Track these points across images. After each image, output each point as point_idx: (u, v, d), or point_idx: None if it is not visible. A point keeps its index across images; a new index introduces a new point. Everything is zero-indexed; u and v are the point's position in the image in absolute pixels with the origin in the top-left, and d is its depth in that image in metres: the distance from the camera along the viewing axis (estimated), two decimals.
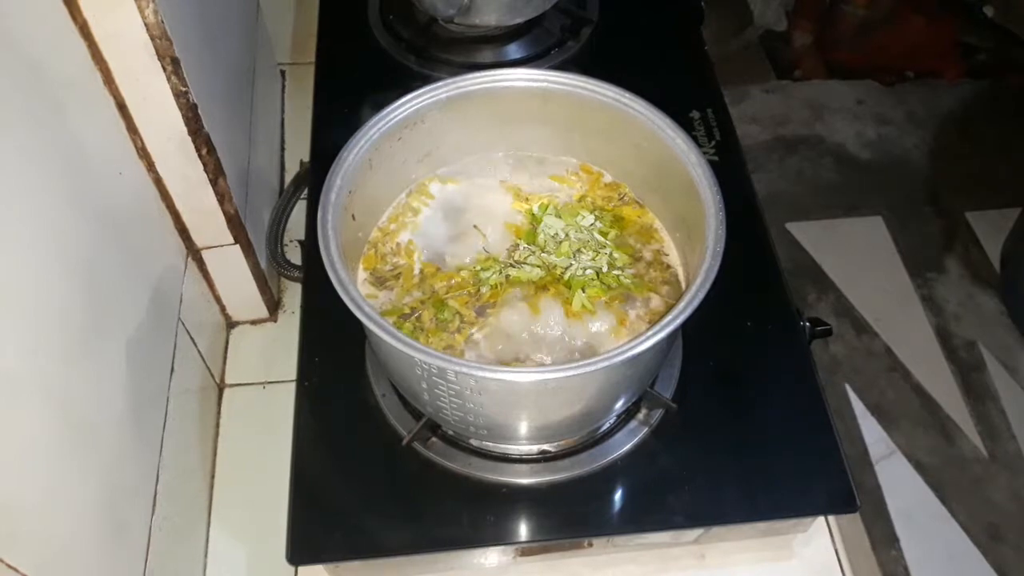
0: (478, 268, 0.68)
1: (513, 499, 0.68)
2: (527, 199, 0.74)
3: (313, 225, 0.60)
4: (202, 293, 0.97)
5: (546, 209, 0.72)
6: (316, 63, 1.00)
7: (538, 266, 0.69)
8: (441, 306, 0.66)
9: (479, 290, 0.67)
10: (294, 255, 0.99)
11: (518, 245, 0.70)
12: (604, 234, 0.71)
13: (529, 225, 0.72)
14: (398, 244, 0.71)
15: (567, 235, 0.70)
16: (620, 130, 0.69)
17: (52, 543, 0.58)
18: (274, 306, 1.08)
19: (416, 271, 0.70)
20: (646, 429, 0.71)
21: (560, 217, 0.72)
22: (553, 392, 0.60)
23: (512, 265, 0.69)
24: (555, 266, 0.69)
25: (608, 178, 0.75)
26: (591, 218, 0.72)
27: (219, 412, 0.99)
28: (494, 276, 0.67)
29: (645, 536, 0.71)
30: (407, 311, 0.67)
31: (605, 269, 0.69)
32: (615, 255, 0.69)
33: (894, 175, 1.97)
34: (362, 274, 0.70)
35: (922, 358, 1.68)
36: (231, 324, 1.06)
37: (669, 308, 0.60)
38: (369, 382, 0.74)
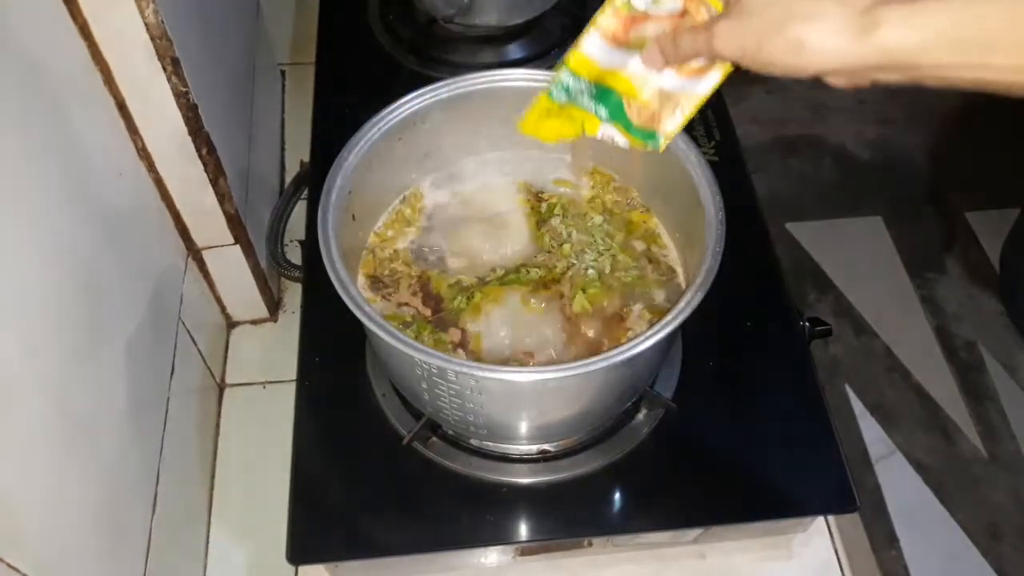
0: (452, 297, 0.68)
1: (513, 499, 0.69)
2: (538, 196, 0.74)
3: (313, 225, 0.60)
4: (202, 293, 0.98)
5: (554, 208, 0.73)
6: (316, 63, 1.00)
7: (537, 267, 0.69)
8: (433, 330, 0.66)
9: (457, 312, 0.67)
10: (294, 255, 0.99)
11: (493, 270, 0.70)
12: (611, 236, 0.71)
13: (534, 224, 0.72)
14: (396, 251, 0.71)
15: (570, 235, 0.71)
16: None
17: (52, 543, 0.58)
18: (274, 306, 1.08)
19: (414, 278, 0.70)
20: (646, 429, 0.71)
21: (566, 217, 0.72)
22: (553, 392, 0.60)
23: (489, 280, 0.68)
24: (554, 266, 0.69)
25: (618, 182, 0.75)
26: (599, 219, 0.72)
27: (219, 412, 0.99)
28: (461, 303, 0.67)
29: (645, 536, 0.71)
30: (408, 319, 0.67)
31: (608, 270, 0.69)
32: (619, 257, 0.70)
33: (894, 175, 1.97)
34: (361, 279, 0.70)
35: (922, 358, 1.68)
36: (231, 324, 1.06)
37: (669, 308, 0.60)
38: (369, 382, 0.74)
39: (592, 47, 0.54)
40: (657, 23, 0.52)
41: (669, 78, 0.53)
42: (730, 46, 0.46)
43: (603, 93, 0.54)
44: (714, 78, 0.52)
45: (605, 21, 0.53)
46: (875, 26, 0.41)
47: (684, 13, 0.51)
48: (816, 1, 0.42)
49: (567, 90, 0.55)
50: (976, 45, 0.40)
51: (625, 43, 0.53)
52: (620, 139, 0.55)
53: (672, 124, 0.54)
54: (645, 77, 0.53)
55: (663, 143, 0.55)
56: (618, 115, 0.54)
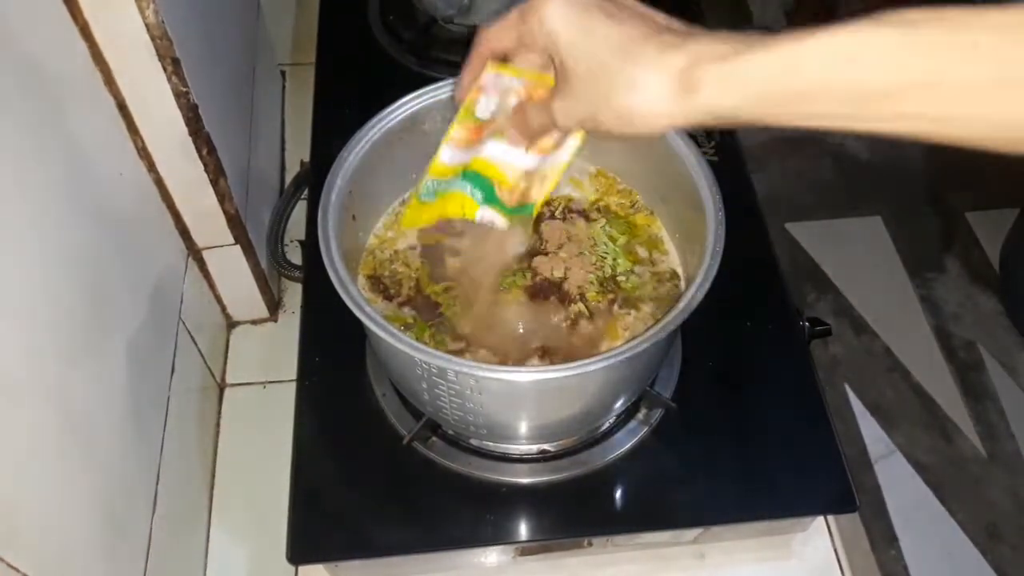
0: (448, 304, 0.68)
1: (513, 498, 0.69)
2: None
3: (313, 225, 0.60)
4: (203, 293, 0.98)
5: (555, 211, 0.73)
6: (316, 64, 1.00)
7: (537, 270, 0.69)
8: (434, 331, 0.66)
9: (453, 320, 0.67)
10: (295, 255, 0.99)
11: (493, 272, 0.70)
12: (613, 240, 0.71)
13: (534, 226, 0.72)
14: (396, 252, 0.71)
15: (569, 238, 0.70)
16: None
17: (52, 543, 0.58)
18: (274, 306, 1.08)
19: (414, 280, 0.70)
20: (645, 429, 0.71)
21: (566, 219, 0.72)
22: (553, 392, 0.60)
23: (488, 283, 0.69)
24: (554, 269, 0.69)
25: (621, 184, 0.75)
26: (601, 222, 0.72)
27: (219, 412, 0.99)
28: (458, 310, 0.67)
29: (645, 535, 0.71)
30: (409, 320, 0.67)
31: (608, 273, 0.69)
32: (619, 260, 0.70)
33: (894, 175, 1.98)
34: (361, 280, 0.70)
35: (921, 358, 1.68)
36: (232, 324, 1.06)
37: (668, 308, 0.60)
38: (369, 382, 0.74)
39: (448, 156, 0.56)
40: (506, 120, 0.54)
41: (530, 160, 0.55)
42: (569, 121, 0.47)
43: (474, 177, 0.56)
44: (572, 145, 0.54)
45: (456, 134, 0.55)
46: (693, 90, 0.41)
47: (529, 99, 0.52)
48: (633, 69, 0.42)
49: (434, 191, 0.58)
50: (794, 97, 0.40)
51: (479, 143, 0.55)
52: (499, 220, 0.57)
53: (540, 192, 0.57)
54: (509, 163, 0.55)
55: (536, 208, 0.57)
56: (492, 199, 0.57)
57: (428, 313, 0.68)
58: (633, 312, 0.67)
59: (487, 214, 0.57)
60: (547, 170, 0.55)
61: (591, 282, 0.68)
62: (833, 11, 2.23)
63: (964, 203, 1.91)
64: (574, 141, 0.54)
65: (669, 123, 0.43)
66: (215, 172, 0.86)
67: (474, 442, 0.70)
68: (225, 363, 1.03)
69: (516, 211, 0.57)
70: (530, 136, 0.53)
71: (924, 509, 1.49)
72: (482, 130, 0.55)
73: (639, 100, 0.42)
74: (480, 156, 0.55)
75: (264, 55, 1.19)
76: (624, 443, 0.71)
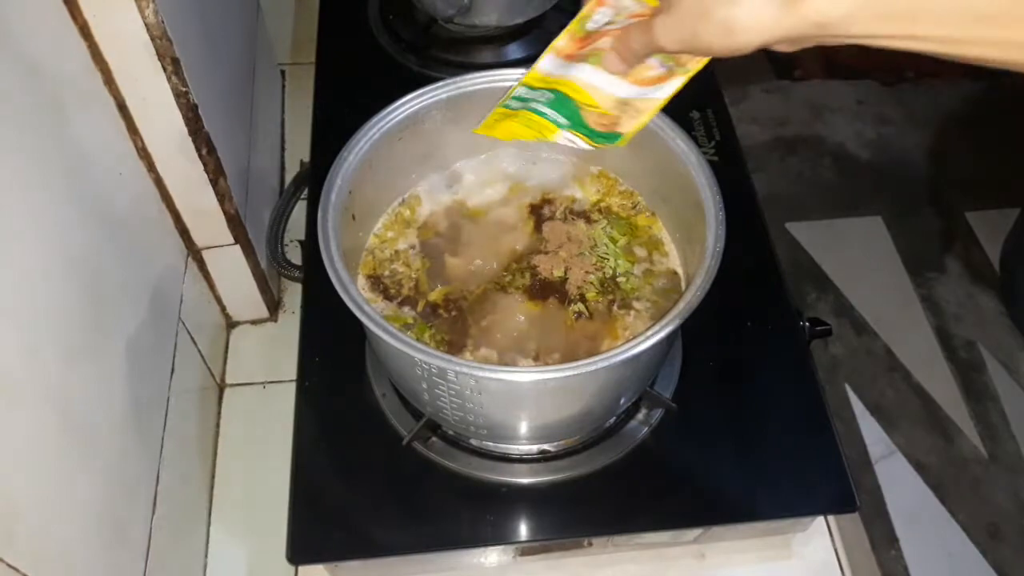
0: (446, 305, 0.68)
1: (513, 499, 0.69)
2: (541, 197, 0.74)
3: (313, 225, 0.60)
4: (202, 293, 0.98)
5: (556, 211, 0.72)
6: (316, 63, 1.00)
7: (536, 270, 0.69)
8: (433, 331, 0.66)
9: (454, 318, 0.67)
10: (294, 255, 0.99)
11: (492, 271, 0.70)
12: (614, 240, 0.71)
13: (534, 226, 0.72)
14: (396, 252, 0.71)
15: (569, 238, 0.70)
16: None
17: (52, 543, 0.58)
18: (274, 306, 1.08)
19: (413, 280, 0.70)
20: (646, 429, 0.71)
21: (566, 220, 0.72)
22: (553, 392, 0.60)
23: (487, 283, 0.69)
24: (551, 270, 0.69)
25: (623, 185, 0.75)
26: (603, 222, 0.72)
27: (219, 412, 0.99)
28: (454, 312, 0.67)
29: (645, 536, 0.71)
30: (409, 320, 0.67)
31: (609, 274, 0.69)
32: (619, 261, 0.70)
33: (894, 175, 1.97)
34: (361, 280, 0.70)
35: (922, 358, 1.68)
36: (231, 324, 1.06)
37: (668, 309, 0.60)
38: (369, 382, 0.74)
39: (547, 65, 0.55)
40: (611, 37, 0.52)
41: (627, 88, 0.54)
42: (670, 39, 0.46)
43: (560, 101, 0.55)
44: (674, 85, 0.53)
45: (561, 44, 0.54)
46: None
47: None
48: None
49: (521, 99, 0.57)
50: (901, 16, 0.39)
51: (579, 58, 0.54)
52: (580, 143, 0.57)
53: (631, 125, 0.55)
54: (602, 88, 0.54)
55: (624, 140, 0.56)
56: (578, 123, 0.56)
57: (428, 313, 0.68)
58: (633, 312, 0.67)
59: (568, 136, 0.56)
60: (641, 104, 0.54)
61: (591, 283, 0.68)
62: None
63: (964, 203, 1.91)
64: (677, 82, 0.52)
65: (771, 35, 0.42)
66: (215, 172, 0.86)
67: (474, 442, 0.70)
68: (225, 363, 1.03)
69: (603, 138, 0.56)
70: (630, 60, 0.51)
71: (924, 509, 1.49)
72: (586, 44, 0.53)
73: (742, 11, 0.42)
74: (572, 79, 0.54)
75: (264, 55, 1.19)
76: (624, 443, 0.71)
